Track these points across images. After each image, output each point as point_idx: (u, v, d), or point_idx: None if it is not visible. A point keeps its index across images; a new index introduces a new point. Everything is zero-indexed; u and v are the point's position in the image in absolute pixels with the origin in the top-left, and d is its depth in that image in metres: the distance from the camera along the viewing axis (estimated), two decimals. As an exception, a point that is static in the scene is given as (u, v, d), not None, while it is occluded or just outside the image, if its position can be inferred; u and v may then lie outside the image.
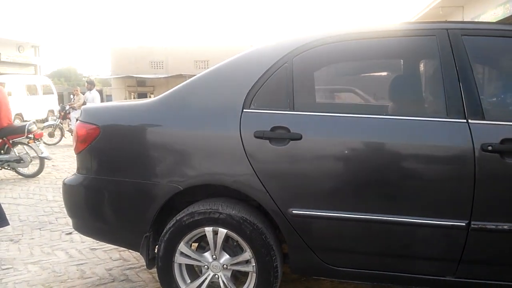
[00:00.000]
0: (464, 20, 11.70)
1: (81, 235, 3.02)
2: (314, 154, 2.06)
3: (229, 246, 2.19)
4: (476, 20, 10.47)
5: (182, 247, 2.17)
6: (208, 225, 2.13)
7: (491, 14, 9.68)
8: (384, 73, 3.24)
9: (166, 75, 27.09)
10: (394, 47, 2.28)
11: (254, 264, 2.11)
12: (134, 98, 27.98)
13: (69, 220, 2.63)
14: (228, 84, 2.24)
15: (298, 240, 2.09)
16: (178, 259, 2.19)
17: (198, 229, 2.15)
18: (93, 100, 10.56)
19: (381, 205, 2.00)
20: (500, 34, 2.10)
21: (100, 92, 16.00)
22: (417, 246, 2.02)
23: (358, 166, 2.02)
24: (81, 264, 3.11)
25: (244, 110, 2.14)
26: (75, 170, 2.52)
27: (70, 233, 3.78)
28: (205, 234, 2.15)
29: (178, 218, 2.17)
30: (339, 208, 2.03)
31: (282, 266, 2.20)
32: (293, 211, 2.06)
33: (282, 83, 2.15)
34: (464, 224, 1.90)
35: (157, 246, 2.25)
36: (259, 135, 2.08)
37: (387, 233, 2.02)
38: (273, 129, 2.08)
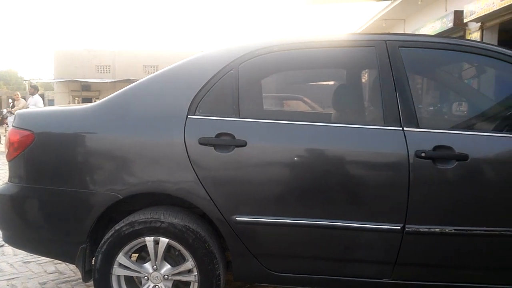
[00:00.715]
0: (406, 32, 12.35)
1: (13, 248, 2.82)
2: (258, 161, 2.06)
3: (171, 256, 2.13)
4: (416, 32, 11.06)
5: (120, 258, 2.09)
6: (149, 235, 2.06)
7: (430, 27, 10.27)
8: (330, 82, 3.33)
9: (113, 80, 26.33)
10: (337, 57, 2.35)
11: (196, 273, 2.07)
12: (78, 103, 26.94)
13: (0, 232, 2.45)
14: (173, 89, 2.19)
15: (241, 247, 2.08)
16: (117, 270, 2.10)
17: (139, 239, 2.08)
18: (36, 105, 10.03)
19: (323, 210, 2.04)
20: (434, 46, 2.22)
21: (42, 96, 15.26)
22: (356, 250, 2.07)
23: (301, 172, 2.05)
24: (13, 278, 2.91)
25: (189, 116, 2.10)
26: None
27: (2, 246, 3.53)
28: (146, 244, 2.08)
29: (117, 228, 2.09)
30: (282, 214, 2.04)
31: (225, 274, 2.17)
32: (237, 218, 2.04)
33: (227, 90, 2.15)
34: (399, 227, 1.97)
35: (94, 258, 2.15)
36: (203, 142, 2.05)
37: (329, 238, 2.06)
38: (218, 135, 2.06)
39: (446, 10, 9.59)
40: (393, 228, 1.98)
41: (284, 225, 2.05)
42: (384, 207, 2.01)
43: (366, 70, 2.57)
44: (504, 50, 2.14)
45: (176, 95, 2.17)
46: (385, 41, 2.14)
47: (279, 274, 2.12)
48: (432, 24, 10.13)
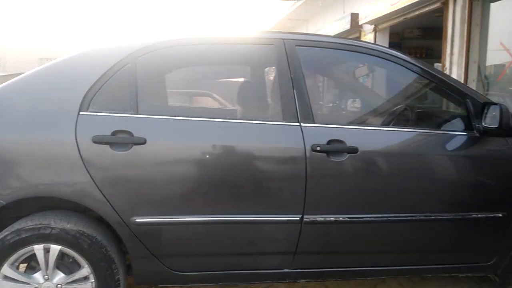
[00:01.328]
0: (308, 32, 12.94)
1: None
2: (159, 159, 2.00)
3: (65, 263, 1.98)
4: (318, 32, 11.64)
5: (5, 269, 1.89)
6: (38, 243, 1.90)
7: (330, 28, 10.87)
8: (237, 79, 3.37)
9: (4, 74, 23.88)
10: (238, 54, 2.38)
11: (93, 280, 1.95)
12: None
13: None
14: (62, 84, 2.03)
15: (142, 249, 2.01)
16: (1, 284, 1.90)
17: (26, 248, 1.90)
18: None
19: (227, 206, 2.05)
20: (330, 46, 2.33)
21: None
22: (259, 243, 2.12)
23: (205, 169, 2.03)
24: None
25: (81, 112, 1.97)
26: None
27: None
28: (35, 253, 1.91)
29: (0, 237, 1.89)
30: (185, 213, 2.01)
31: (125, 279, 2.08)
32: (137, 220, 1.96)
33: (124, 84, 2.05)
34: (298, 218, 2.05)
35: (-26, 272, 1.92)
36: (98, 140, 1.93)
37: (233, 233, 2.08)
38: (114, 133, 1.95)
39: (344, 12, 10.21)
40: (292, 219, 2.06)
41: (187, 223, 2.02)
42: (285, 199, 2.08)
43: (267, 67, 2.63)
44: (392, 51, 2.33)
45: (66, 90, 2.01)
46: (283, 39, 2.20)
47: (184, 273, 2.09)
48: (331, 25, 10.74)
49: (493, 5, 5.92)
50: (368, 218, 2.13)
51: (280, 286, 2.70)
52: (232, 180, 2.05)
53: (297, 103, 2.11)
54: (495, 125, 2.05)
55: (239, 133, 2.09)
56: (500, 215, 2.20)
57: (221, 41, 2.27)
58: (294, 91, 2.12)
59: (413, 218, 2.16)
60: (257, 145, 2.08)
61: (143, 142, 1.95)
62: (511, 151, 2.18)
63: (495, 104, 2.09)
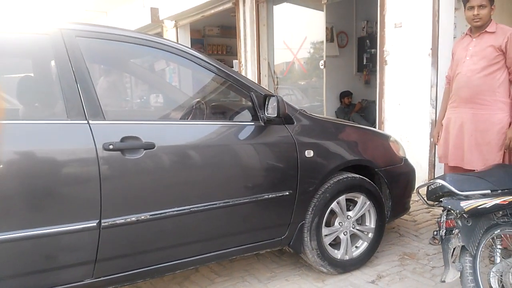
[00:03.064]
0: (108, 24, 12.24)
1: None
2: None
3: None
4: (119, 26, 11.10)
5: None
6: None
7: (130, 22, 10.48)
8: (25, 75, 2.93)
9: None
10: (7, 44, 2.05)
11: None
12: None
13: None
14: None
15: None
16: None
17: None
18: None
19: (7, 221, 1.76)
20: (116, 38, 2.19)
21: None
22: (54, 257, 1.90)
23: None
24: None
25: None
26: None
27: None
28: None
29: None
30: None
31: None
32: None
33: None
34: (95, 224, 1.91)
35: None
36: None
37: (19, 251, 1.81)
38: None
39: (143, 6, 9.99)
40: (88, 226, 1.91)
41: None
42: (78, 205, 1.90)
43: (47, 60, 2.35)
44: (184, 48, 2.35)
45: None
46: (60, 29, 1.99)
47: None
48: (132, 19, 10.40)
49: (276, 7, 6.68)
50: (171, 213, 2.12)
51: (85, 299, 2.49)
52: (13, 191, 1.77)
53: (82, 99, 1.94)
54: (274, 114, 2.29)
55: (18, 136, 1.81)
56: (287, 193, 2.48)
57: None
58: (78, 86, 1.94)
59: (213, 206, 2.25)
60: (40, 148, 1.85)
61: None
62: (290, 137, 2.47)
63: (273, 95, 2.34)
